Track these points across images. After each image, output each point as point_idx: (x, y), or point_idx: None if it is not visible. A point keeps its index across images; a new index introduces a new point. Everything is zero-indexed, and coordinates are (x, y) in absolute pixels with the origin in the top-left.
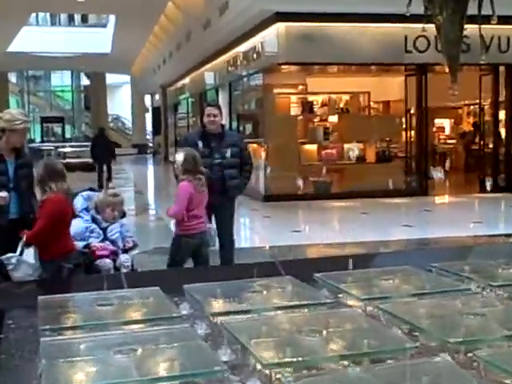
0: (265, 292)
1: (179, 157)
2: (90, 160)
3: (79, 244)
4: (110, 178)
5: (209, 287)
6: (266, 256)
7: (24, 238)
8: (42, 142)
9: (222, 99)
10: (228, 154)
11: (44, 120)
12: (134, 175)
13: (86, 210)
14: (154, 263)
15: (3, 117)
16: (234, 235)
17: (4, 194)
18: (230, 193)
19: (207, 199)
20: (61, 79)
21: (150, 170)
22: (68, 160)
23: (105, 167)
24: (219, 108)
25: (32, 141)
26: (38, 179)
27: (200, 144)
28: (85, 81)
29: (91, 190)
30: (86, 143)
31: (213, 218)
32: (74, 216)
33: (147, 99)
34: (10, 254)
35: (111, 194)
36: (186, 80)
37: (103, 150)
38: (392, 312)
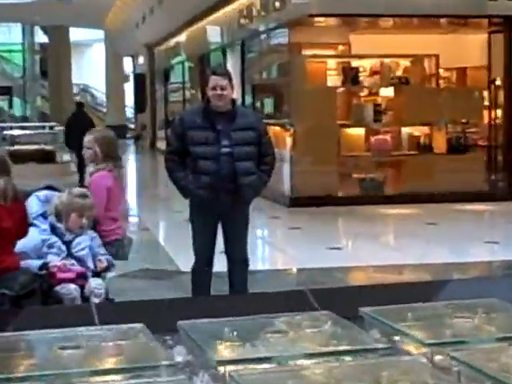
0: (291, 332)
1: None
2: (48, 147)
3: (33, 263)
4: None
5: (213, 325)
6: (293, 282)
7: None
8: None
9: (232, 64)
10: (240, 140)
11: None
12: None
13: (43, 216)
14: (136, 291)
15: None
16: (247, 253)
17: None
18: (244, 194)
19: (214, 201)
20: (7, 35)
21: (131, 161)
22: (17, 147)
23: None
24: (229, 77)
25: None
26: None
27: (202, 126)
28: (41, 37)
29: (50, 188)
30: (43, 124)
31: (219, 227)
32: (27, 224)
33: (127, 63)
34: None
35: (78, 194)
36: (182, 37)
37: (81, 133)
38: (470, 363)
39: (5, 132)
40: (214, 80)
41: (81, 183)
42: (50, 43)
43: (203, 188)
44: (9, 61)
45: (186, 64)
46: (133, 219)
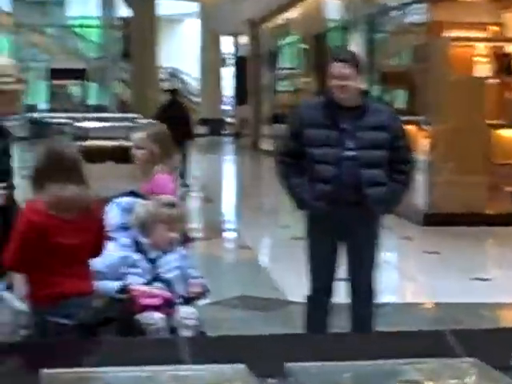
0: None
1: None
2: (128, 143)
3: (110, 285)
4: (184, 173)
5: (329, 369)
6: (428, 320)
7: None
8: (50, 110)
9: (355, 47)
10: (368, 142)
11: (54, 74)
12: (201, 172)
13: (124, 228)
14: (233, 323)
15: None
16: (375, 281)
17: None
18: (371, 208)
19: (333, 216)
20: (83, 7)
21: (228, 163)
22: (91, 143)
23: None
24: (355, 64)
25: (32, 108)
26: (32, 175)
27: (322, 123)
28: (123, 11)
29: (133, 194)
30: (123, 115)
31: (341, 248)
32: (103, 239)
33: (226, 44)
34: None
35: (167, 203)
36: (294, 12)
37: (176, 127)
38: None
39: (77, 124)
40: (335, 67)
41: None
42: (133, 18)
43: (319, 199)
44: (84, 38)
45: (299, 45)
46: (229, 235)
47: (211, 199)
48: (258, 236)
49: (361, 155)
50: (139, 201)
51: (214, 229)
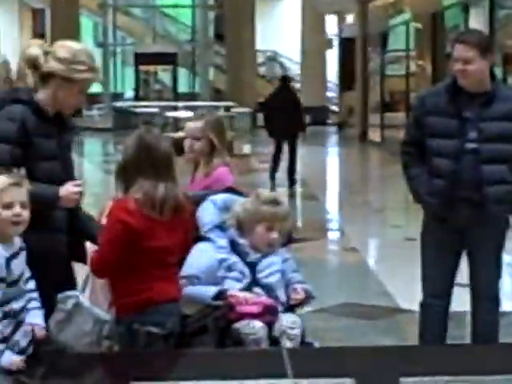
0: None
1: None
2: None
3: (206, 290)
4: (293, 169)
5: None
6: None
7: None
8: (137, 98)
9: (476, 25)
10: (494, 135)
11: (140, 59)
12: (303, 166)
13: (221, 228)
14: (339, 332)
15: (56, 52)
16: (498, 288)
17: (75, 188)
18: (492, 209)
19: (450, 215)
20: None
21: (333, 155)
22: (183, 134)
23: (285, 147)
24: (479, 46)
25: (117, 97)
26: (121, 170)
27: (444, 111)
28: None
29: (230, 191)
30: (216, 103)
31: (457, 249)
32: (197, 238)
33: (331, 24)
34: (69, 293)
35: (268, 200)
36: None
37: (287, 117)
38: None
39: (167, 114)
40: (456, 49)
41: (272, 175)
42: None
43: (433, 195)
44: (175, 20)
45: (412, 25)
46: (334, 235)
47: (314, 196)
48: (366, 237)
49: (484, 148)
50: (237, 198)
51: (318, 228)
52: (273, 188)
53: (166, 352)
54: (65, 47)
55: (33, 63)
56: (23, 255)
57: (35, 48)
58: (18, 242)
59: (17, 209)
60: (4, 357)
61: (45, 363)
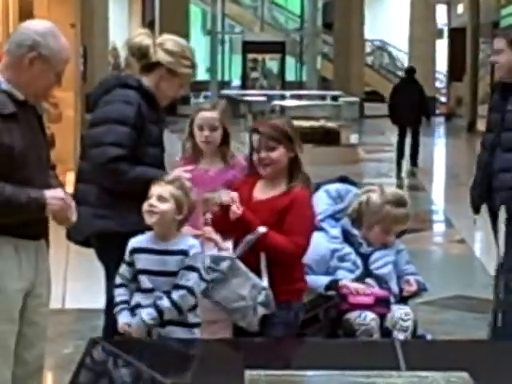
0: None
1: None
2: (330, 124)
3: (318, 280)
4: (415, 157)
5: None
6: None
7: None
8: (244, 86)
9: None
10: None
11: (248, 48)
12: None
13: (334, 218)
14: (447, 325)
15: (165, 44)
16: None
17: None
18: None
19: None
20: None
21: (440, 146)
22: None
23: (408, 134)
24: (508, 35)
25: (224, 84)
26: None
27: (499, 104)
28: None
29: (344, 181)
30: (324, 92)
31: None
32: None
33: (440, 13)
34: (222, 254)
35: (392, 200)
36: None
37: (411, 106)
38: None
39: (274, 102)
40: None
41: (398, 164)
42: None
43: (474, 187)
44: (283, 8)
45: None
46: (441, 226)
47: (422, 186)
48: (474, 228)
49: (503, 138)
50: (351, 188)
51: (425, 220)
52: (398, 175)
53: (278, 340)
54: (173, 40)
55: (143, 52)
56: (178, 258)
57: (145, 38)
58: (179, 243)
59: (152, 200)
60: (122, 316)
61: (157, 348)
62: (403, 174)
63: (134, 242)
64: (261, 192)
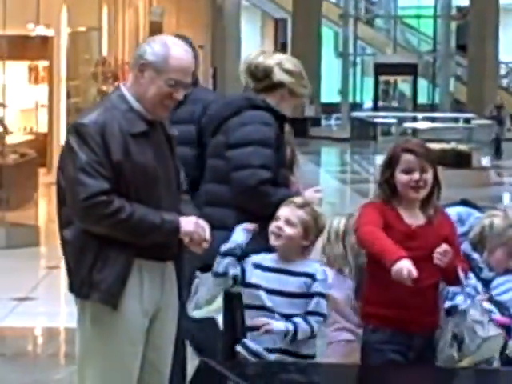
0: None
1: None
2: (461, 147)
3: None
4: None
5: None
6: None
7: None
8: (376, 108)
9: None
10: None
11: (380, 69)
12: None
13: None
14: None
15: (283, 65)
16: None
17: (317, 194)
18: None
19: None
20: None
21: None
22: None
23: None
24: None
25: (356, 106)
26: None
27: None
28: None
29: (465, 204)
30: (456, 115)
31: None
32: None
33: None
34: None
35: None
36: None
37: None
38: None
39: (406, 125)
40: None
41: None
42: (471, 6)
43: None
44: (416, 30)
45: None
46: None
47: None
48: None
49: None
50: (473, 212)
51: None
52: None
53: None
54: (291, 61)
55: (267, 72)
56: (301, 279)
57: (267, 58)
58: (303, 265)
59: (280, 223)
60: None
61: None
62: None
63: (255, 257)
64: (412, 217)
